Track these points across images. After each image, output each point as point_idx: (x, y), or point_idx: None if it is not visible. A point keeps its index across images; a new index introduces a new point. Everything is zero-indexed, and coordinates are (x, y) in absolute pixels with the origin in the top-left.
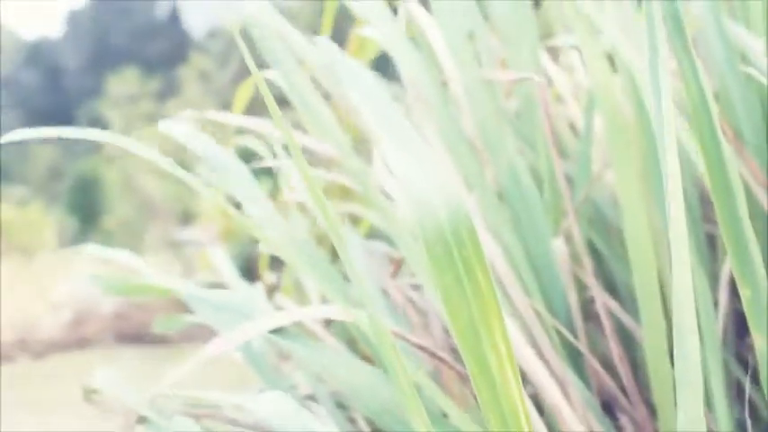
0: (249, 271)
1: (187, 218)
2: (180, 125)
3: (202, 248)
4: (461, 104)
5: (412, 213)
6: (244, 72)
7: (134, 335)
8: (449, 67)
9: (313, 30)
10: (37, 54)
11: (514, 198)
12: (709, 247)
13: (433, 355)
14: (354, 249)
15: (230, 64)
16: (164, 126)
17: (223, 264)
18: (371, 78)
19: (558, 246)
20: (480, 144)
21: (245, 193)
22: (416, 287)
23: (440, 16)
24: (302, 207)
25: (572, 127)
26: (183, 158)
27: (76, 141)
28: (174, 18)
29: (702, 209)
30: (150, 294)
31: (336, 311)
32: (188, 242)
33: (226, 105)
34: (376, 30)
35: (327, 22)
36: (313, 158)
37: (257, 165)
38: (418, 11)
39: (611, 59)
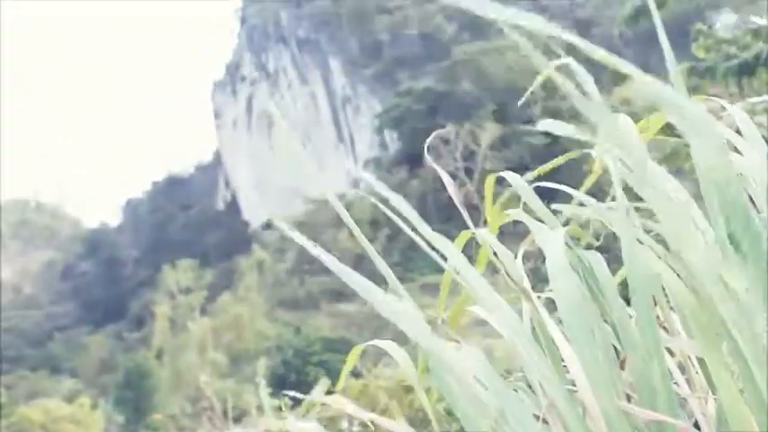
0: None
1: (238, 415)
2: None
3: None
4: (596, 420)
5: None
6: (301, 263)
7: None
8: (583, 386)
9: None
10: (96, 243)
11: None
12: None
13: None
14: None
15: (287, 255)
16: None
17: None
18: None
19: None
20: None
21: None
22: None
23: (564, 317)
24: None
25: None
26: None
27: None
28: (233, 208)
29: None
30: None
31: None
32: None
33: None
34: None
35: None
36: None
37: None
38: (545, 313)
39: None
